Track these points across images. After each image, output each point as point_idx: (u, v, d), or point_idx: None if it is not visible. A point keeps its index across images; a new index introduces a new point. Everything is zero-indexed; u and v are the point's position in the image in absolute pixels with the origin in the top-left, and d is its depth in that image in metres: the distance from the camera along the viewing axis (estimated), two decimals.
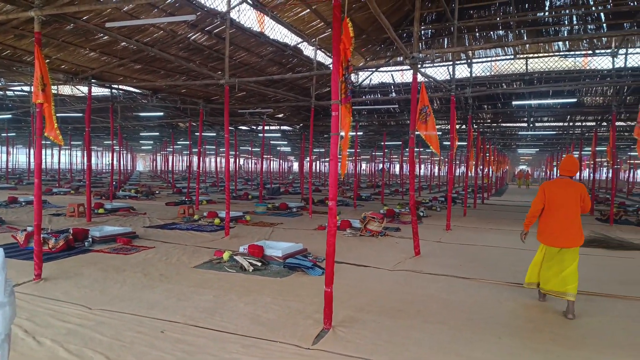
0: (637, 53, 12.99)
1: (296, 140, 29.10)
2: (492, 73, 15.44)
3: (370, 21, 12.23)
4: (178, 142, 32.28)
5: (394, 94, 17.16)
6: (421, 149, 28.36)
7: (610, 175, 16.82)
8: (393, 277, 5.75)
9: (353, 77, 17.03)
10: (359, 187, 23.65)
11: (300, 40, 11.92)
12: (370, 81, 17.36)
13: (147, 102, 15.01)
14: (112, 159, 15.26)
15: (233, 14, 9.15)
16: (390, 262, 6.56)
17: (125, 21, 7.76)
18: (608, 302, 4.82)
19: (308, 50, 12.66)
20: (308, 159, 22.77)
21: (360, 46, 14.44)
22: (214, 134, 24.24)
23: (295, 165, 59.23)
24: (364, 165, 52.49)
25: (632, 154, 28.78)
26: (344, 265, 6.30)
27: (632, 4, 11.22)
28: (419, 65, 7.13)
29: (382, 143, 21.52)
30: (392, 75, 16.77)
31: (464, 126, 17.91)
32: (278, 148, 39.79)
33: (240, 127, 22.35)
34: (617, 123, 14.71)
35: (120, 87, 13.64)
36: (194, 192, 15.48)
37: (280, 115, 19.51)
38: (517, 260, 6.89)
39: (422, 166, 40.15)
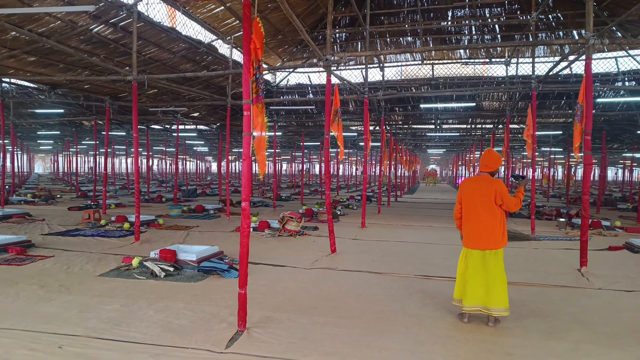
0: (526, 63, 14.46)
1: (213, 140, 28.36)
2: (403, 77, 16.29)
3: (286, 22, 12.27)
4: (83, 142, 29.89)
5: (311, 95, 17.40)
6: (338, 149, 29.08)
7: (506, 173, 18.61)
8: (310, 276, 5.83)
9: (270, 77, 17.00)
10: (279, 187, 23.63)
11: (215, 37, 11.64)
12: (287, 82, 17.45)
13: (44, 98, 13.71)
14: (4, 160, 13.73)
15: (141, 7, 8.70)
16: (307, 260, 6.64)
17: (15, 9, 7.06)
18: None
19: (223, 48, 12.39)
20: (226, 159, 22.31)
21: (277, 46, 14.45)
22: (124, 133, 22.81)
23: (214, 166, 57.72)
24: (284, 166, 52.56)
25: (524, 153, 31.95)
26: (262, 266, 6.26)
27: (521, 17, 12.46)
28: (333, 68, 7.32)
29: (301, 143, 21.73)
30: (309, 76, 17.01)
31: (377, 127, 18.65)
32: (195, 148, 38.46)
33: (152, 126, 21.29)
34: (511, 125, 16.24)
35: (12, 80, 12.34)
36: (101, 196, 14.47)
37: (195, 114, 18.89)
38: (425, 255, 7.37)
39: (341, 166, 41.21)
